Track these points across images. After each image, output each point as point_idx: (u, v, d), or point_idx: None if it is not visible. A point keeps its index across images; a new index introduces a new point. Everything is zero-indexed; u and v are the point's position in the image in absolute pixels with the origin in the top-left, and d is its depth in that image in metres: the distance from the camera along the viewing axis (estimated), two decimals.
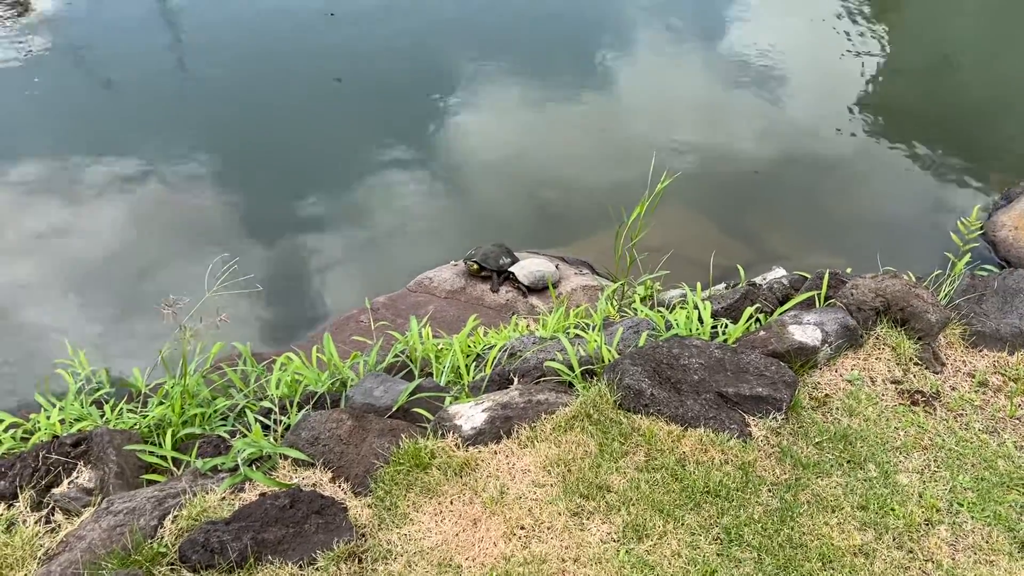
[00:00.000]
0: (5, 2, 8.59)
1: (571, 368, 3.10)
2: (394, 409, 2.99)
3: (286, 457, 2.71)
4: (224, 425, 3.12)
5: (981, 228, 5.61)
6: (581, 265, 6.25)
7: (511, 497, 2.54)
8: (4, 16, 8.37)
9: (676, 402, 2.86)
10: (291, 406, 3.07)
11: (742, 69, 8.29)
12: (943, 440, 2.85)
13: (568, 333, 3.62)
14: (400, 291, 5.84)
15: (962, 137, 7.21)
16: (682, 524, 2.45)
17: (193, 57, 8.29)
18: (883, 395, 3.06)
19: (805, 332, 3.20)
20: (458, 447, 2.73)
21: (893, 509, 2.56)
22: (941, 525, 2.52)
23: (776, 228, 6.22)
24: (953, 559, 2.42)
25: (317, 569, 2.31)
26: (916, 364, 3.20)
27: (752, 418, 2.85)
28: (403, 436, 2.75)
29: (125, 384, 3.64)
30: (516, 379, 3.18)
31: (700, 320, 3.45)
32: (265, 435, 2.84)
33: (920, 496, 2.61)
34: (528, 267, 5.88)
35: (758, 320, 3.53)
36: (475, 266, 5.90)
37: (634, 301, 4.27)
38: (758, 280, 4.45)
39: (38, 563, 2.41)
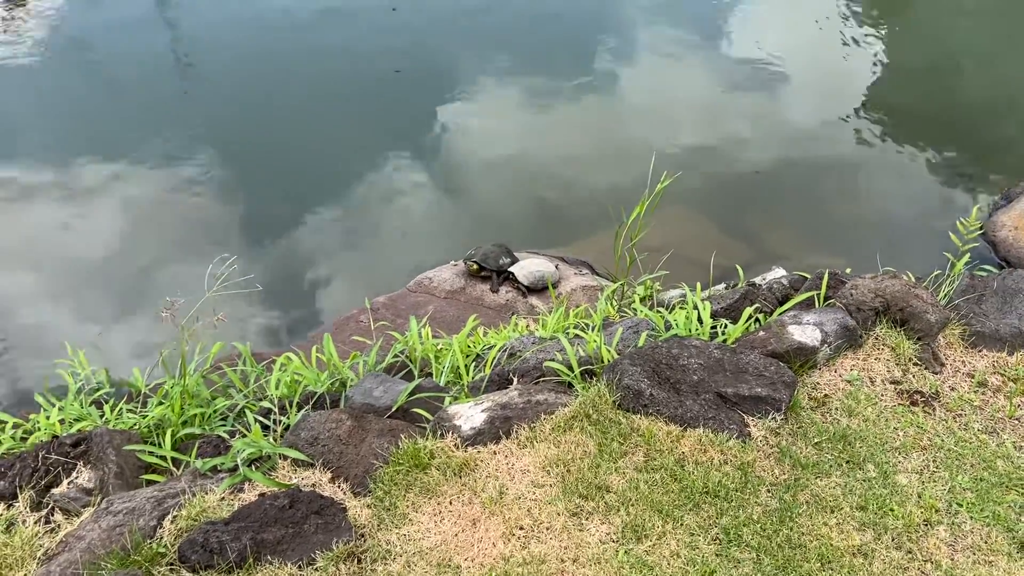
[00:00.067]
0: None
1: (570, 368, 3.10)
2: (393, 409, 2.99)
3: (285, 457, 2.72)
4: (224, 425, 3.12)
5: (981, 228, 5.61)
6: (581, 265, 6.25)
7: (510, 497, 2.54)
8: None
9: (675, 402, 2.86)
10: (290, 406, 3.08)
11: (743, 69, 8.30)
12: (942, 440, 2.86)
13: (567, 333, 3.62)
14: (400, 291, 5.84)
15: (962, 137, 7.21)
16: (681, 524, 2.46)
17: (194, 54, 8.30)
18: (882, 395, 3.06)
19: (804, 332, 3.20)
20: (457, 447, 2.73)
21: (892, 509, 2.56)
22: (940, 525, 2.53)
23: (776, 228, 6.22)
24: (952, 559, 2.43)
25: (316, 569, 2.32)
26: (915, 364, 3.20)
27: (751, 418, 2.86)
28: (402, 436, 2.76)
29: (125, 384, 3.64)
30: (515, 379, 3.18)
31: (699, 320, 3.45)
32: (264, 435, 2.84)
33: (919, 496, 2.62)
34: (528, 267, 5.88)
35: (757, 320, 3.53)
36: (475, 266, 5.91)
37: (634, 301, 4.27)
38: (758, 280, 4.45)
39: (37, 563, 2.41)
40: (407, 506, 2.52)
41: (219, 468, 2.72)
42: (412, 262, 6.01)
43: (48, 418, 3.22)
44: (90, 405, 3.38)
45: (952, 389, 3.12)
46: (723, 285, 4.54)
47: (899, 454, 2.79)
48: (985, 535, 2.50)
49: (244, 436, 2.84)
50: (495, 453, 2.72)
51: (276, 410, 3.04)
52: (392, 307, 5.58)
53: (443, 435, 2.78)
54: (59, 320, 5.14)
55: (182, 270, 5.51)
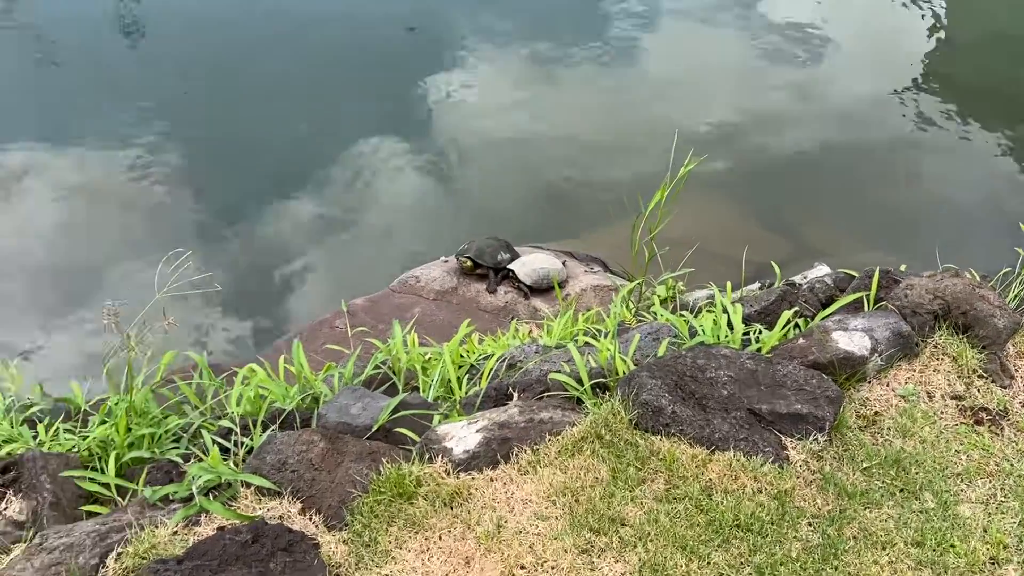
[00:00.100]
0: None
1: (580, 382, 3.09)
2: (374, 429, 2.99)
3: (248, 485, 2.71)
4: (176, 448, 3.12)
5: None
6: (592, 262, 6.25)
7: (510, 531, 2.53)
8: None
9: (701, 421, 2.85)
10: (254, 426, 3.07)
11: (781, 35, 8.30)
12: (1012, 465, 2.85)
13: (576, 341, 3.62)
14: (382, 292, 5.84)
15: None
16: (708, 563, 2.45)
17: (144, 16, 8.30)
18: (942, 413, 3.06)
19: (851, 340, 3.19)
20: (448, 473, 2.73)
21: (953, 545, 2.56)
22: (1009, 564, 2.52)
23: (819, 219, 6.23)
24: None
25: None
26: (980, 377, 3.20)
27: (790, 439, 2.85)
28: (384, 460, 2.75)
29: (62, 400, 3.64)
30: (516, 394, 3.18)
31: (730, 326, 3.44)
32: (224, 459, 2.84)
33: (984, 531, 2.61)
34: (530, 264, 5.88)
35: (797, 326, 3.52)
36: (469, 263, 5.91)
37: (653, 303, 4.27)
38: (797, 279, 4.45)
39: None
40: (390, 542, 2.51)
41: (171, 497, 2.71)
42: (396, 258, 6.02)
43: None
44: (21, 424, 3.37)
45: (1023, 406, 3.12)
46: (757, 285, 4.53)
47: (962, 481, 2.79)
48: None
49: (200, 460, 2.84)
50: (492, 480, 2.72)
51: (237, 430, 3.03)
52: (372, 310, 5.58)
53: (431, 459, 2.78)
54: None
55: (129, 268, 5.52)
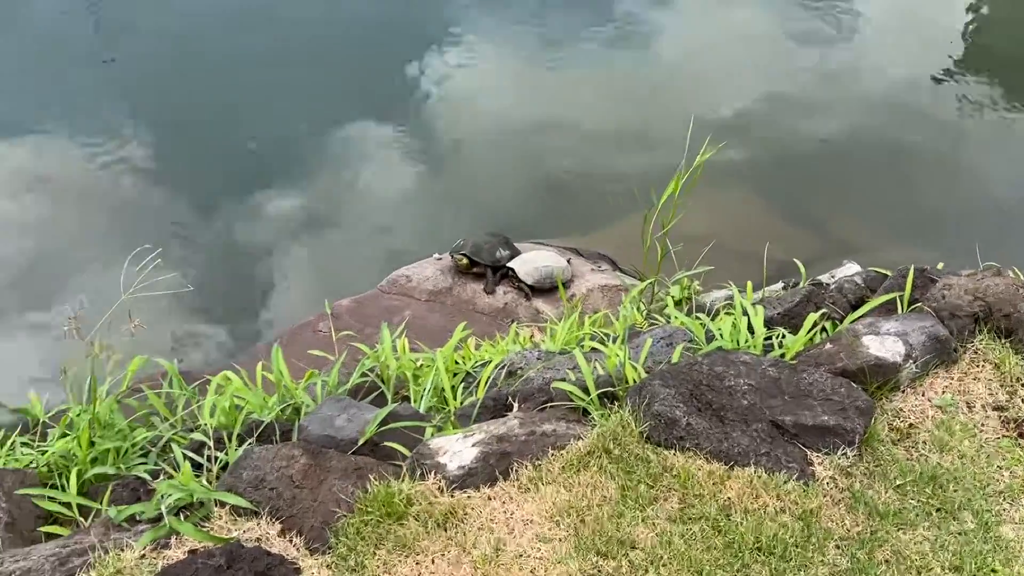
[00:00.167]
0: None
1: (586, 391, 3.09)
2: (360, 443, 2.99)
3: (223, 504, 2.71)
4: (144, 463, 3.11)
5: None
6: (599, 259, 6.25)
7: (509, 555, 2.53)
8: None
9: (719, 434, 2.85)
10: (229, 439, 3.07)
11: (808, 12, 8.29)
12: None
13: (582, 346, 3.61)
14: (369, 292, 5.84)
15: None
16: None
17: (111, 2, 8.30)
18: (983, 425, 3.05)
19: (884, 345, 3.19)
20: (442, 491, 2.73)
21: (995, 570, 2.55)
22: None
23: (848, 213, 6.23)
24: None
25: None
26: None
27: (816, 454, 2.85)
28: (372, 477, 2.75)
29: (18, 412, 3.64)
30: (516, 405, 3.18)
31: (750, 329, 3.44)
32: (196, 476, 2.84)
33: None
34: (532, 262, 5.89)
35: (824, 329, 3.52)
36: (465, 260, 5.92)
37: (666, 305, 4.27)
38: (824, 279, 4.45)
39: None
40: (378, 566, 2.51)
41: (138, 518, 2.71)
42: (385, 255, 6.02)
43: None
44: None
45: None
46: (780, 285, 4.53)
47: (1004, 500, 2.78)
48: None
49: (170, 477, 2.83)
50: (490, 499, 2.72)
51: (211, 444, 3.03)
52: (359, 312, 5.59)
53: (424, 476, 2.78)
54: None
55: (92, 267, 5.53)
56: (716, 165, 4.23)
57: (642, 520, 2.62)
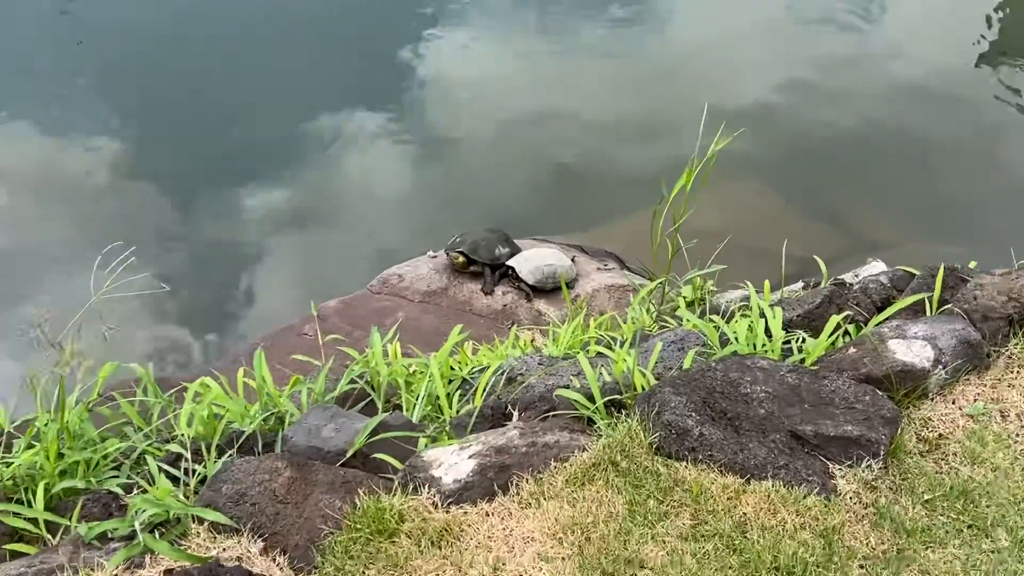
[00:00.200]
0: None
1: (591, 399, 3.09)
2: (349, 454, 2.99)
3: (201, 520, 2.71)
4: (116, 476, 3.11)
5: None
6: (605, 257, 6.26)
7: (509, 575, 2.53)
8: None
9: (734, 445, 2.85)
10: (208, 450, 3.07)
11: None
12: None
13: (587, 350, 3.61)
14: (359, 293, 5.84)
15: None
16: None
17: None
18: (1018, 435, 3.05)
19: (911, 349, 3.19)
20: (436, 506, 2.73)
21: None
22: None
23: (872, 207, 6.23)
24: None
25: None
26: None
27: (838, 467, 2.85)
28: (361, 491, 2.75)
29: None
30: (516, 414, 3.18)
31: (768, 333, 3.44)
32: (172, 490, 2.83)
33: None
34: (533, 260, 5.89)
35: (847, 333, 3.52)
36: (461, 258, 5.92)
37: (678, 306, 4.27)
38: (847, 278, 4.45)
39: None
40: None
41: (110, 535, 2.71)
42: (375, 253, 6.02)
43: None
44: None
45: None
46: (800, 284, 4.53)
47: None
48: None
49: (144, 491, 2.83)
50: (488, 514, 2.71)
51: (188, 456, 3.03)
52: (347, 314, 5.59)
53: (417, 490, 2.77)
54: None
55: (61, 266, 5.52)
56: (731, 156, 4.23)
57: (651, 538, 2.61)
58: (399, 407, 3.47)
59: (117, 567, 2.57)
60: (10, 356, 4.85)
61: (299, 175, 6.50)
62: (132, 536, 2.66)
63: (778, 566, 2.55)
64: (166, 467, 2.99)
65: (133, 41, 7.51)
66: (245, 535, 2.67)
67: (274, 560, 2.63)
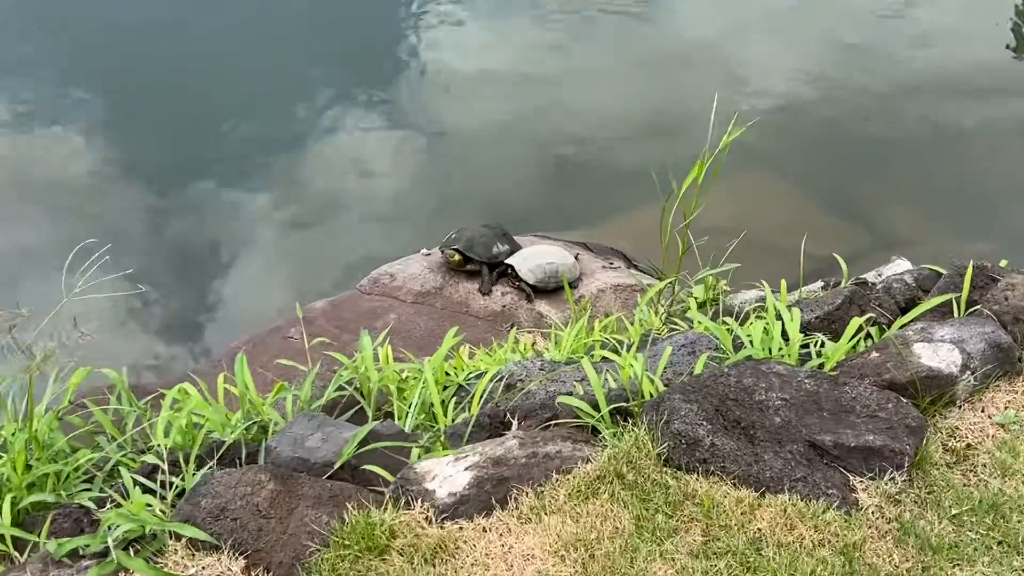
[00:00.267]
0: None
1: (596, 406, 3.09)
2: (337, 466, 2.99)
3: (179, 536, 2.71)
4: (88, 490, 3.11)
5: None
6: (611, 255, 6.26)
7: None
8: None
9: (748, 456, 2.85)
10: (187, 462, 3.07)
11: None
12: None
13: (592, 355, 3.61)
14: (348, 293, 5.84)
15: None
16: None
17: None
18: None
19: (937, 353, 3.19)
20: (430, 521, 2.73)
21: None
22: None
23: (896, 202, 6.23)
24: None
25: None
26: None
27: (859, 479, 2.85)
28: (350, 505, 2.75)
29: None
30: (515, 422, 3.18)
31: (784, 336, 3.44)
32: (148, 504, 2.84)
33: None
34: (534, 258, 5.89)
35: (869, 336, 3.52)
36: (457, 256, 5.92)
37: (688, 307, 4.27)
38: (869, 277, 4.45)
39: None
40: None
41: (82, 552, 2.71)
42: (365, 251, 6.02)
43: None
44: None
45: None
46: (819, 284, 4.53)
47: None
48: None
49: (118, 506, 2.83)
50: (485, 530, 2.71)
51: (165, 467, 3.03)
52: (336, 315, 5.59)
53: (409, 504, 2.77)
54: None
55: (31, 264, 5.52)
56: (745, 148, 4.24)
57: (660, 555, 2.61)
58: (390, 415, 3.47)
59: None
60: None
61: (286, 169, 6.50)
62: (105, 553, 2.65)
63: None
64: (141, 479, 2.99)
65: (109, 29, 7.52)
66: (226, 552, 2.67)
67: None
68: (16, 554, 2.84)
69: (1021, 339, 3.32)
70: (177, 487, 2.97)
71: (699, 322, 3.84)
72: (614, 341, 3.88)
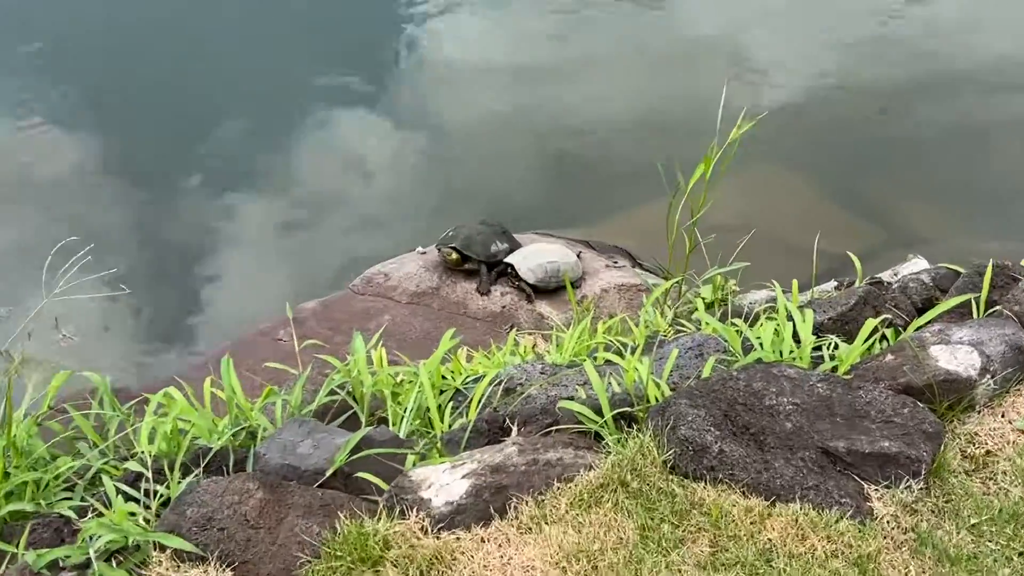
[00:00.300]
0: None
1: (599, 411, 3.09)
2: (328, 474, 2.99)
3: (163, 547, 2.71)
4: (69, 498, 3.11)
5: None
6: (615, 254, 6.26)
7: None
8: None
9: (758, 463, 2.85)
10: (172, 469, 3.07)
11: None
12: None
13: (595, 358, 3.61)
14: (340, 293, 5.84)
15: None
16: None
17: None
18: None
19: (955, 356, 3.19)
20: (426, 532, 2.73)
21: None
22: None
23: (912, 198, 6.23)
24: None
25: None
26: None
27: (874, 487, 2.85)
28: (342, 515, 2.75)
29: None
30: (515, 428, 3.17)
31: (796, 338, 3.44)
32: (131, 514, 2.84)
33: None
34: (534, 257, 5.89)
35: (884, 338, 3.51)
36: (454, 255, 5.92)
37: (696, 308, 4.27)
38: (885, 276, 4.45)
39: None
40: None
41: (62, 563, 2.71)
42: (359, 249, 6.02)
43: None
44: None
45: None
46: (832, 284, 4.53)
47: None
48: None
49: (100, 515, 2.83)
50: (483, 540, 2.71)
51: (149, 475, 3.03)
52: (327, 316, 5.59)
53: (404, 513, 2.77)
54: None
55: (9, 263, 5.53)
56: (755, 142, 4.23)
57: (666, 566, 2.61)
58: (384, 421, 3.47)
59: None
60: None
61: (274, 161, 6.49)
62: (86, 565, 2.65)
63: None
64: (124, 488, 2.99)
65: (94, 26, 7.53)
66: (212, 564, 2.67)
67: None
68: None
69: None
70: (162, 496, 2.97)
71: (707, 323, 3.84)
72: (618, 343, 3.88)
